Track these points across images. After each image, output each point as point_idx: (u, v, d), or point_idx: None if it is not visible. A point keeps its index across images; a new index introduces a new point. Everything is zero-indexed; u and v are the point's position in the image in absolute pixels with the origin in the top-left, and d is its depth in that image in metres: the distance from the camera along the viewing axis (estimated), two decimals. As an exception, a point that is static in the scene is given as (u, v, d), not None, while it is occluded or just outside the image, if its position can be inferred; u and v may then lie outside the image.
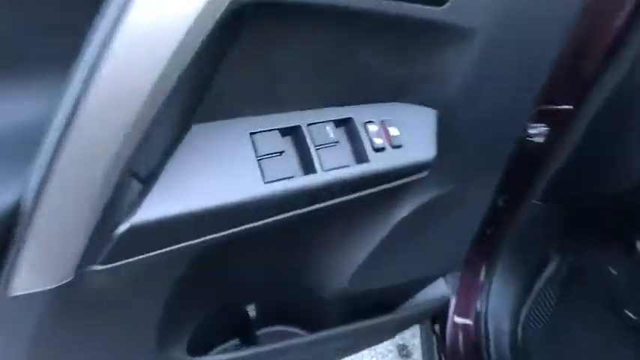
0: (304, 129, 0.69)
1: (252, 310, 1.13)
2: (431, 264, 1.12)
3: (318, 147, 0.69)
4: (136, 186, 0.58)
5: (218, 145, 0.65)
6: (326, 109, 0.71)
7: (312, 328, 1.16)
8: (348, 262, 0.96)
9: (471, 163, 0.89)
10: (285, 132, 0.69)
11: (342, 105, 0.72)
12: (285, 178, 0.65)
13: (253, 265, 0.89)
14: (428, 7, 0.64)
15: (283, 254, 0.88)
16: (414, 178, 0.76)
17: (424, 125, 0.77)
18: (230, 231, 0.66)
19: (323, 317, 1.14)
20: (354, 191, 0.72)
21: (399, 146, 0.73)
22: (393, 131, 0.73)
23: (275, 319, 1.17)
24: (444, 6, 0.64)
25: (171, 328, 0.84)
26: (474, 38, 0.71)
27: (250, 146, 0.66)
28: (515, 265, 1.40)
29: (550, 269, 1.46)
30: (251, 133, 0.66)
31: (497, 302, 1.37)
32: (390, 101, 0.76)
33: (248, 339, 1.17)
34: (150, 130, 0.46)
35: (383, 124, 0.73)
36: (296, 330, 1.19)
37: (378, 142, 0.72)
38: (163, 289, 0.68)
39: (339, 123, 0.72)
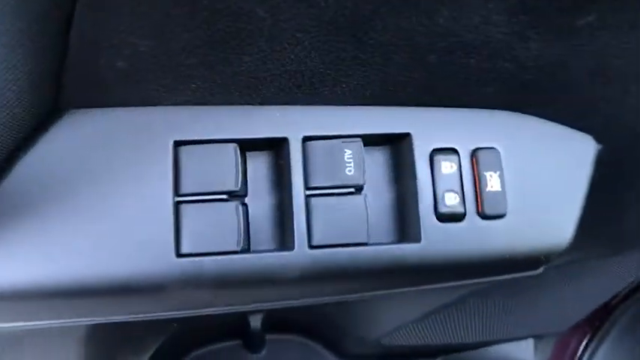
0: (294, 147, 0.32)
1: (256, 321, 0.86)
2: (521, 327, 0.76)
3: (313, 191, 0.32)
4: None
5: (103, 159, 0.31)
6: (354, 110, 0.33)
7: (333, 348, 0.89)
8: (388, 321, 0.64)
9: (636, 231, 0.46)
10: (252, 147, 0.33)
11: (392, 103, 0.34)
12: (220, 253, 0.30)
13: None
14: None
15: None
16: (513, 276, 0.37)
17: (566, 170, 0.36)
18: (108, 318, 0.34)
19: (352, 343, 0.85)
20: (375, 289, 0.35)
21: (498, 216, 0.33)
22: (493, 181, 0.34)
23: (286, 327, 0.91)
24: None
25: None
26: None
27: (168, 172, 0.31)
28: (636, 336, 1.02)
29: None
30: (176, 143, 0.31)
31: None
32: (500, 108, 0.35)
33: (251, 343, 0.93)
34: None
35: (474, 161, 0.34)
36: (311, 343, 0.93)
37: (452, 201, 0.33)
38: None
39: (375, 141, 0.34)
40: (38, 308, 0.32)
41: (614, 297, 0.88)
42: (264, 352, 0.96)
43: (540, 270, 0.37)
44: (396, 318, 0.66)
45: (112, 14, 0.26)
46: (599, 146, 0.37)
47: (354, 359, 0.90)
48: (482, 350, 0.88)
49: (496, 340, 0.82)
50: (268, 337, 0.95)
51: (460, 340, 0.76)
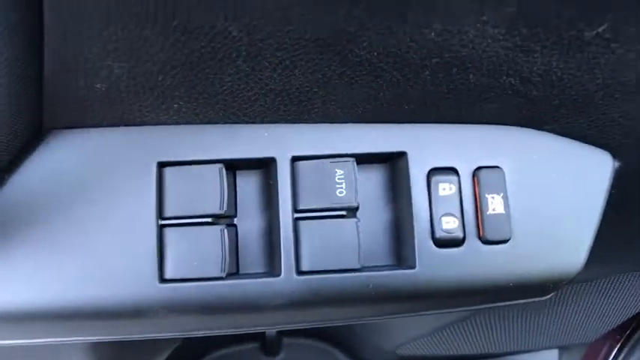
0: (282, 167, 0.31)
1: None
2: (545, 339, 0.73)
3: (302, 214, 0.30)
4: None
5: (86, 181, 0.30)
6: (346, 128, 0.32)
7: (349, 353, 0.88)
8: (404, 332, 0.62)
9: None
10: (238, 169, 0.32)
11: (387, 121, 0.32)
12: (204, 279, 0.29)
13: None
14: None
15: None
16: (519, 302, 0.34)
17: (580, 190, 0.33)
18: (91, 338, 0.34)
19: (368, 351, 0.83)
20: (368, 316, 0.34)
21: (501, 241, 0.31)
22: (495, 203, 0.31)
23: (302, 331, 0.90)
24: None
25: None
26: None
27: (152, 195, 0.30)
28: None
29: None
30: (159, 165, 0.30)
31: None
32: (506, 124, 0.33)
33: (268, 346, 0.92)
34: None
35: (475, 181, 0.32)
36: (328, 347, 0.92)
37: (450, 225, 0.31)
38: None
39: (368, 160, 0.32)
40: (23, 329, 0.31)
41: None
42: (281, 356, 0.96)
43: (549, 296, 0.34)
44: (412, 330, 0.64)
45: (82, 37, 0.25)
46: (617, 163, 0.34)
47: None
48: (503, 359, 0.85)
49: (519, 351, 0.79)
50: (285, 340, 0.94)
51: (480, 351, 0.73)
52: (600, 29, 0.26)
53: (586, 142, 0.34)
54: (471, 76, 0.28)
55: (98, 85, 0.27)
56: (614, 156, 0.34)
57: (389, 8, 0.25)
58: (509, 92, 0.30)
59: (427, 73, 0.28)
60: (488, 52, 0.27)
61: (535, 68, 0.28)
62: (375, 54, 0.26)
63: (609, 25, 0.26)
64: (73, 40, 0.25)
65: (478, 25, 0.25)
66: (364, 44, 0.26)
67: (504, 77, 0.29)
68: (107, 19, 0.24)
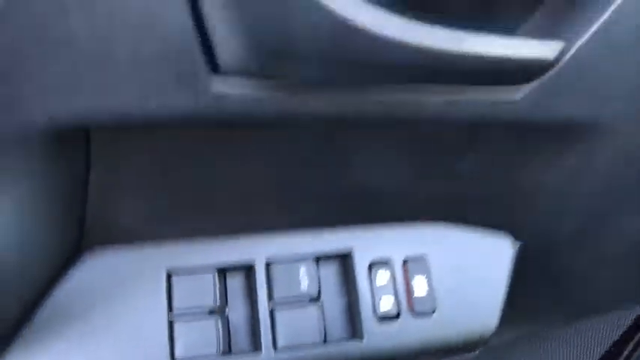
0: (259, 271, 0.41)
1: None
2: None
3: (276, 304, 0.41)
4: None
5: (114, 289, 0.40)
6: (306, 233, 0.42)
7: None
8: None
9: (575, 308, 0.53)
10: (227, 272, 0.42)
11: (338, 223, 0.42)
12: (205, 357, 0.39)
13: None
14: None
15: None
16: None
17: (488, 267, 0.43)
18: None
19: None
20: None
21: (428, 313, 0.41)
22: (420, 285, 0.42)
23: None
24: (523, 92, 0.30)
25: None
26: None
27: (163, 293, 0.40)
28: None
29: None
30: (168, 273, 0.41)
31: None
32: (428, 220, 0.44)
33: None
34: None
35: (405, 270, 0.42)
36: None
37: (387, 304, 0.41)
38: None
39: (324, 261, 0.43)
40: None
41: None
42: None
43: (477, 352, 0.44)
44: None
45: (121, 193, 0.36)
46: (518, 243, 0.45)
47: None
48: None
49: None
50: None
51: None
52: (472, 158, 0.38)
53: (491, 227, 0.44)
54: (387, 197, 0.40)
55: (124, 217, 0.39)
56: (516, 238, 0.45)
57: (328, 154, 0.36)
58: (422, 201, 0.41)
59: (349, 199, 0.39)
60: (396, 185, 0.38)
61: (436, 187, 0.40)
62: (313, 191, 0.38)
63: (476, 154, 0.38)
64: (109, 195, 0.36)
65: (385, 168, 0.37)
66: (303, 187, 0.37)
67: (414, 195, 0.40)
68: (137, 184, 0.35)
